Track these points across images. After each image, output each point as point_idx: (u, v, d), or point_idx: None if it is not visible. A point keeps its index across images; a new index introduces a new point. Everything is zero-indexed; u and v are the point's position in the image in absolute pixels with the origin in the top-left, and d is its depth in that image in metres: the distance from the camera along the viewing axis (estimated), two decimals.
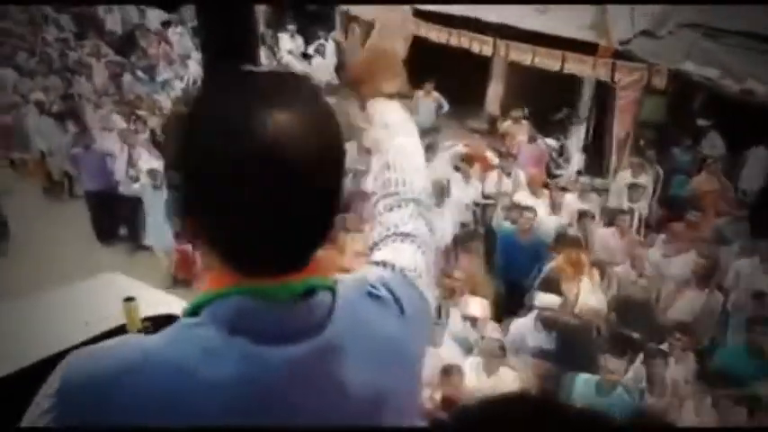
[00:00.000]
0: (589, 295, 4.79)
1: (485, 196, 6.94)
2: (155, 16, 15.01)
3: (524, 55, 9.76)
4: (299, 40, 13.12)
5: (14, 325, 3.32)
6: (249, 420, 0.70)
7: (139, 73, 10.65)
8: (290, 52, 12.80)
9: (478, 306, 4.65)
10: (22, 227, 7.43)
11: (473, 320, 4.56)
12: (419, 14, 11.36)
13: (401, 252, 0.94)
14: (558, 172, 8.34)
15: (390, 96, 1.11)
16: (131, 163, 7.04)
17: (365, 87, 1.11)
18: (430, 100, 9.78)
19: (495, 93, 11.45)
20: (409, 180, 1.02)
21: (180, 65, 11.64)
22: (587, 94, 8.80)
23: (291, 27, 13.08)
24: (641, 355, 4.19)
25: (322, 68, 11.56)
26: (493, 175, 7.08)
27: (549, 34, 9.42)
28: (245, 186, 0.67)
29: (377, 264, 0.92)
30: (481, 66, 10.99)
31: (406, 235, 0.96)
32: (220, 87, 0.73)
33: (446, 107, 9.79)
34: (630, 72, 8.19)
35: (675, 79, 8.05)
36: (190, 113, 0.71)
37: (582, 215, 5.98)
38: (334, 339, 0.75)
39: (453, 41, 10.75)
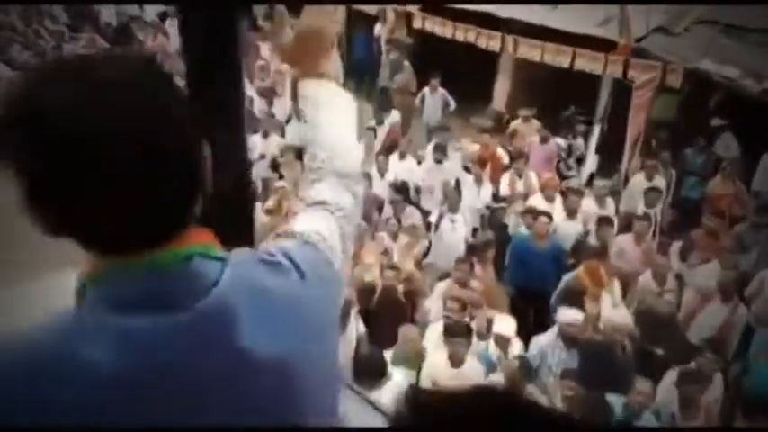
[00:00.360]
0: (612, 310, 4.58)
1: (497, 199, 6.70)
2: (151, 8, 14.66)
3: (533, 51, 9.52)
4: None
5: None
6: (143, 395, 0.69)
7: None
8: None
9: (508, 324, 4.42)
10: (7, 221, 7.16)
11: (503, 340, 4.33)
12: (425, 8, 11.13)
13: (307, 219, 0.96)
14: (569, 173, 8.11)
15: (321, 75, 1.12)
16: None
17: (299, 67, 1.14)
18: (436, 96, 9.52)
19: (501, 89, 11.20)
20: (333, 155, 1.03)
21: (178, 58, 11.34)
22: (603, 93, 8.53)
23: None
24: (672, 375, 3.99)
25: None
26: (505, 178, 6.84)
27: (560, 30, 9.21)
28: (87, 171, 0.66)
29: (278, 236, 0.92)
30: (487, 61, 10.72)
31: (319, 203, 0.98)
32: (51, 73, 0.71)
33: (453, 105, 9.53)
34: (646, 70, 7.96)
35: (691, 78, 7.84)
36: (22, 102, 0.68)
37: (601, 222, 5.75)
38: (222, 304, 0.74)
39: (459, 36, 10.51)
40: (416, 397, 0.57)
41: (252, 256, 0.84)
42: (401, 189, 6.36)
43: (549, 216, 5.52)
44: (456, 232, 5.84)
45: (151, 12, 14.56)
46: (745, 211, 7.00)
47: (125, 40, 12.41)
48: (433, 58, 10.90)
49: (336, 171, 1.03)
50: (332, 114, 1.09)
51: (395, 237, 5.63)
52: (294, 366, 0.80)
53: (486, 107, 11.31)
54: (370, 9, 12.07)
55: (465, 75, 10.35)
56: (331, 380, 0.91)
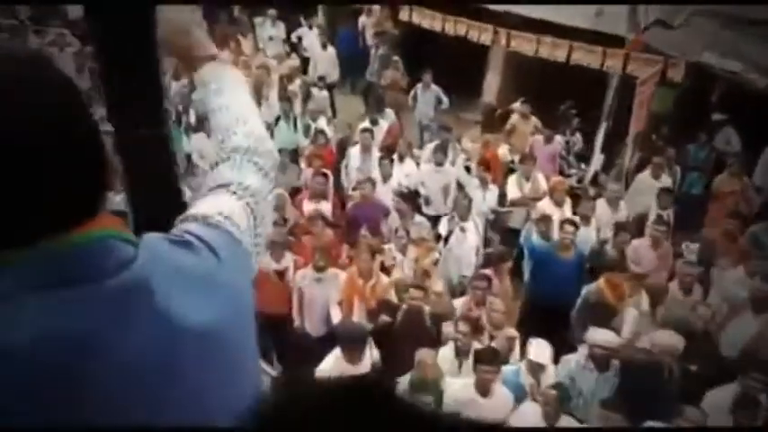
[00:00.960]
0: (646, 326, 4.32)
1: (509, 203, 6.40)
2: None
3: (528, 44, 9.24)
4: (281, 27, 12.28)
5: None
6: (64, 370, 0.68)
7: None
8: (270, 38, 12.00)
9: (543, 350, 4.11)
10: None
11: (537, 367, 4.03)
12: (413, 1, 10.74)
13: (207, 202, 0.95)
14: (570, 171, 7.86)
15: (205, 60, 1.14)
16: None
17: (182, 58, 1.16)
18: (429, 93, 9.17)
19: (492, 82, 10.91)
20: (230, 134, 1.05)
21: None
22: (609, 89, 8.27)
23: (272, 12, 12.22)
24: (714, 397, 3.75)
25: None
26: (513, 180, 6.54)
27: (555, 23, 8.94)
28: None
29: (181, 221, 0.92)
30: (476, 54, 10.40)
31: (220, 186, 0.98)
32: None
33: (446, 102, 9.19)
34: (648, 64, 7.75)
35: (693, 72, 7.65)
36: None
37: (618, 229, 5.50)
38: (139, 278, 0.75)
39: (449, 29, 10.16)
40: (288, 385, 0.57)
41: (161, 238, 0.85)
42: (407, 197, 6.00)
43: (575, 224, 5.22)
44: (467, 241, 5.52)
45: None
46: (751, 207, 6.85)
47: None
48: (419, 52, 10.58)
49: (234, 148, 1.03)
50: (225, 98, 1.10)
51: (404, 250, 5.29)
52: (217, 337, 0.81)
53: (475, 100, 11.01)
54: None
55: (453, 68, 10.04)
56: (253, 354, 0.93)
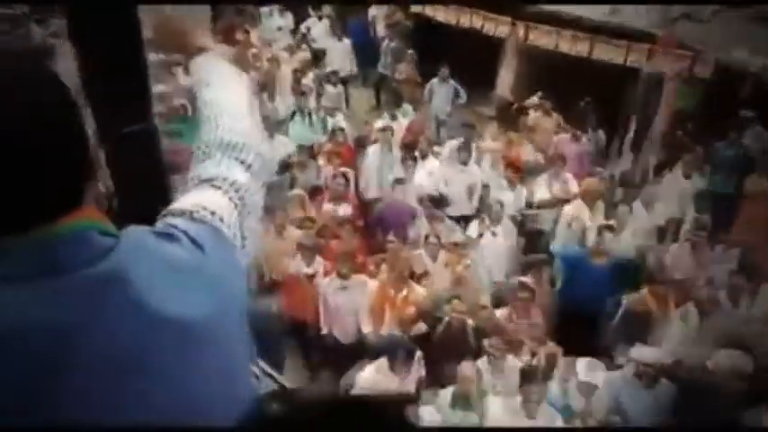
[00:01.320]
0: (695, 341, 4.11)
1: (537, 205, 6.15)
2: None
3: (547, 38, 8.97)
4: (289, 17, 11.95)
5: None
6: (40, 361, 0.68)
7: None
8: (279, 29, 11.66)
9: (594, 370, 3.89)
10: None
11: (589, 388, 3.81)
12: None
13: (191, 197, 0.94)
14: (595, 170, 7.61)
15: (200, 50, 1.15)
16: None
17: (177, 45, 1.16)
18: (446, 87, 8.89)
19: (506, 75, 10.62)
20: (213, 128, 1.03)
21: None
22: (639, 82, 7.99)
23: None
24: None
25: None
26: (541, 181, 6.29)
27: (573, 16, 8.68)
28: None
29: (164, 216, 0.91)
30: (490, 46, 10.09)
31: (205, 181, 0.97)
32: None
33: (464, 96, 8.92)
34: (675, 60, 7.49)
35: (720, 68, 7.40)
36: None
37: (659, 236, 5.28)
38: (118, 267, 0.74)
39: (464, 22, 9.88)
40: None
41: (145, 231, 0.84)
42: (436, 201, 5.75)
43: (612, 229, 5.00)
44: (499, 246, 5.28)
45: None
46: None
47: None
48: (429, 43, 10.29)
49: (221, 144, 1.01)
50: (213, 92, 1.09)
51: (434, 257, 5.05)
52: (198, 330, 0.79)
53: (488, 94, 10.72)
54: None
55: (465, 60, 9.78)
56: (241, 351, 0.90)
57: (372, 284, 4.75)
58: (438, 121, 9.00)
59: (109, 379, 0.71)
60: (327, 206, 5.86)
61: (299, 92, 7.84)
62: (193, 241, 0.85)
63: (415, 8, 10.50)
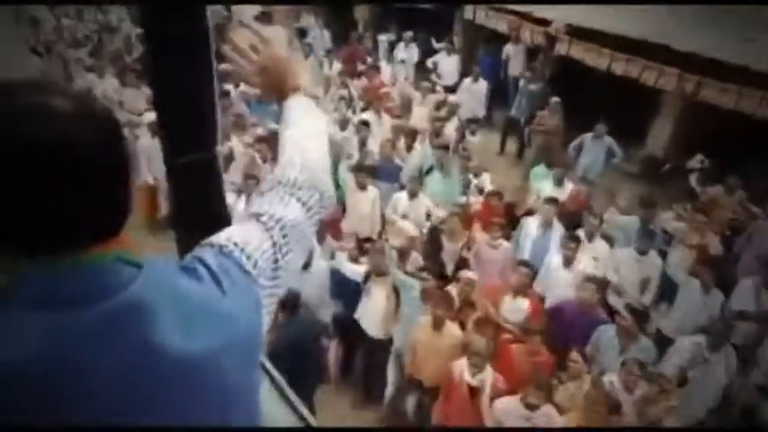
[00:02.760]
0: None
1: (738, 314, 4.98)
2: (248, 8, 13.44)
3: (723, 96, 7.72)
4: (414, 50, 11.27)
5: None
6: (49, 387, 0.71)
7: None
8: (402, 62, 11.01)
9: None
10: None
11: None
12: (574, 32, 9.41)
13: (232, 229, 0.99)
14: None
15: (295, 92, 1.20)
16: None
17: (275, 92, 1.21)
18: (600, 144, 7.84)
19: (662, 130, 9.38)
20: (287, 164, 1.08)
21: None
22: None
23: (407, 34, 11.23)
24: None
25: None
26: (745, 286, 5.12)
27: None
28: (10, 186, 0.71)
29: (201, 246, 0.96)
30: (643, 94, 8.91)
31: (253, 215, 1.01)
32: None
33: (619, 155, 7.82)
34: None
35: None
36: None
37: None
38: (134, 302, 0.77)
39: (617, 68, 8.78)
40: None
41: (170, 264, 0.88)
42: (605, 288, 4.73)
43: None
44: (712, 379, 4.19)
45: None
46: None
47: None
48: (570, 87, 9.25)
49: (285, 181, 1.06)
50: (297, 130, 1.14)
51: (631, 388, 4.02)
52: (208, 367, 0.82)
53: (635, 149, 9.51)
54: (500, 25, 10.45)
55: (609, 108, 8.70)
56: (248, 389, 0.92)
57: (558, 420, 3.80)
58: (587, 182, 7.93)
59: (113, 408, 0.74)
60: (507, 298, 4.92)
61: (440, 146, 7.01)
62: (214, 276, 0.88)
63: (561, 49, 9.47)
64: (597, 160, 7.85)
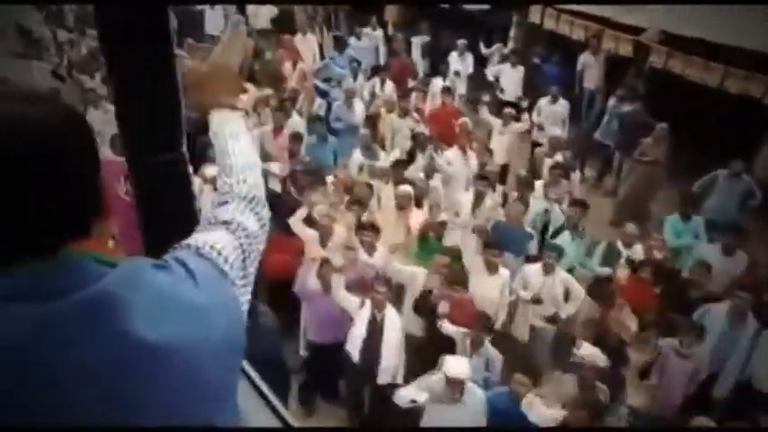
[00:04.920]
0: None
1: None
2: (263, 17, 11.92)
3: None
4: (469, 59, 9.82)
5: None
6: (32, 379, 0.73)
7: None
8: (456, 74, 9.55)
9: None
10: None
11: None
12: (669, 41, 8.04)
13: (204, 234, 1.01)
14: None
15: (228, 107, 1.22)
16: None
17: (206, 99, 1.21)
18: (735, 183, 6.51)
19: None
20: (240, 180, 1.13)
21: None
22: None
23: (461, 42, 9.75)
24: None
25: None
26: None
27: None
28: None
29: (174, 248, 0.97)
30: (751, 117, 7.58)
31: (222, 222, 1.05)
32: None
33: (758, 198, 6.50)
34: None
35: None
36: None
37: None
38: (104, 294, 0.78)
39: (731, 86, 7.43)
40: None
41: (141, 261, 0.88)
42: None
43: None
44: None
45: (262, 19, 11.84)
46: None
47: None
48: (667, 105, 7.91)
49: (243, 196, 1.11)
50: (239, 145, 1.17)
51: None
52: (172, 355, 0.81)
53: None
54: (573, 30, 9.02)
55: (705, 126, 7.42)
56: (227, 388, 0.92)
57: None
58: (714, 225, 6.59)
59: (82, 397, 0.75)
60: None
61: (557, 195, 5.63)
62: (188, 272, 0.89)
63: (656, 62, 8.09)
64: (730, 203, 6.52)
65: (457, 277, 4.48)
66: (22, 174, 0.73)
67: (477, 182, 5.68)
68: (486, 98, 7.88)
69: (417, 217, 5.22)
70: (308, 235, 4.74)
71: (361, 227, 4.66)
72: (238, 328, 0.93)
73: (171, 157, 1.16)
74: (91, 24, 10.26)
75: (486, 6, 10.35)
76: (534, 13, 9.58)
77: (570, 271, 5.05)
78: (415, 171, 5.97)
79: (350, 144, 6.71)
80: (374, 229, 4.61)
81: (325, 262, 4.32)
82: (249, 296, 1.02)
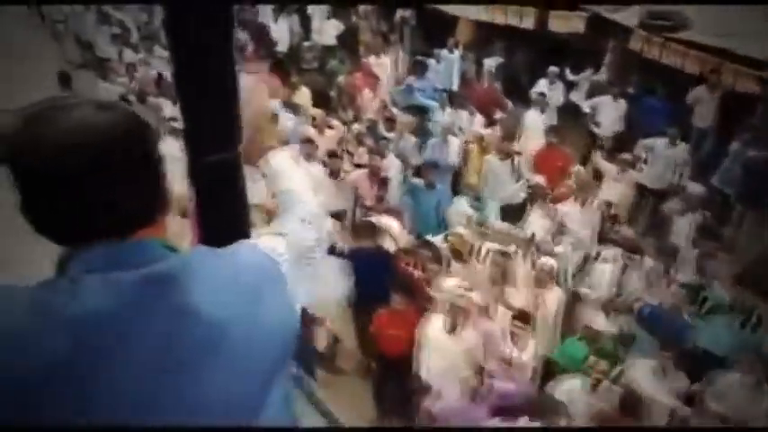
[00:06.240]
0: None
1: None
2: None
3: None
4: (560, 89, 8.93)
5: None
6: (98, 332, 0.82)
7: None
8: (542, 95, 8.57)
9: None
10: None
11: None
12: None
13: (266, 239, 1.26)
14: None
15: (270, 148, 1.41)
16: None
17: (252, 149, 1.34)
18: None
19: None
20: (292, 205, 1.41)
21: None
22: None
23: (552, 69, 8.87)
24: None
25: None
26: None
27: None
28: (60, 182, 0.85)
29: (235, 244, 1.06)
30: None
31: (279, 234, 1.33)
32: (31, 120, 0.87)
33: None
34: None
35: None
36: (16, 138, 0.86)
37: None
38: (168, 270, 0.87)
39: None
40: None
41: (206, 248, 0.98)
42: None
43: None
44: None
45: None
46: None
47: None
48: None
49: (298, 217, 1.40)
50: (289, 182, 1.46)
51: None
52: (226, 333, 0.88)
53: None
54: (688, 64, 8.09)
55: None
56: (281, 373, 0.97)
57: None
58: None
59: (140, 366, 0.82)
60: None
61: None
62: (246, 261, 0.99)
63: None
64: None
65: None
66: (105, 169, 0.85)
67: (604, 246, 4.84)
68: (601, 141, 6.99)
69: (554, 295, 4.38)
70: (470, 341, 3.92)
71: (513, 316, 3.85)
72: (291, 319, 1.02)
73: (227, 157, 1.18)
74: (157, 41, 9.68)
75: (579, 29, 9.41)
76: (635, 41, 8.66)
77: None
78: (542, 232, 5.12)
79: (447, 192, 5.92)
80: (526, 319, 3.79)
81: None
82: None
